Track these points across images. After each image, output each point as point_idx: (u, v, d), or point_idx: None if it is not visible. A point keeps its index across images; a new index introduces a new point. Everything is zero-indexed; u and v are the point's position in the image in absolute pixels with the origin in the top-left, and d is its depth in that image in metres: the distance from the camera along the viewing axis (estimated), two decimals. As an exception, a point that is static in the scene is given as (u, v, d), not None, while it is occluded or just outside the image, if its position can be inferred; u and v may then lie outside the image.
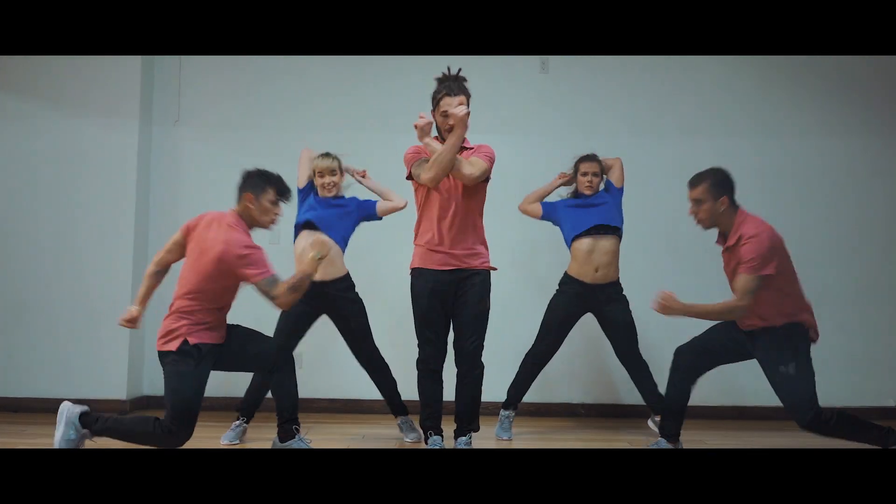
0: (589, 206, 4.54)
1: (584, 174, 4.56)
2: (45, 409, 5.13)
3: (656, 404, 4.37)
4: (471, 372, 3.78)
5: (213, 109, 5.59)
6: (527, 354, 4.60)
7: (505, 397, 4.63)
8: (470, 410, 3.83)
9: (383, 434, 4.55)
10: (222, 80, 5.59)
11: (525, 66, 5.58)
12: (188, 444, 3.49)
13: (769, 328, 3.62)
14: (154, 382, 5.44)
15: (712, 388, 5.28)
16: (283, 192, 3.61)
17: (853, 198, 5.52)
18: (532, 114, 5.58)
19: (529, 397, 5.11)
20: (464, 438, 3.82)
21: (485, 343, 3.81)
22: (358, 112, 5.57)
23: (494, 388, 5.28)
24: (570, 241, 4.56)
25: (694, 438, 4.42)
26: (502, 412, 4.56)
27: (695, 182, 3.73)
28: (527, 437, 4.57)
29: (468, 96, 3.76)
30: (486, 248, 3.85)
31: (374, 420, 5.03)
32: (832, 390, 5.28)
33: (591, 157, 4.62)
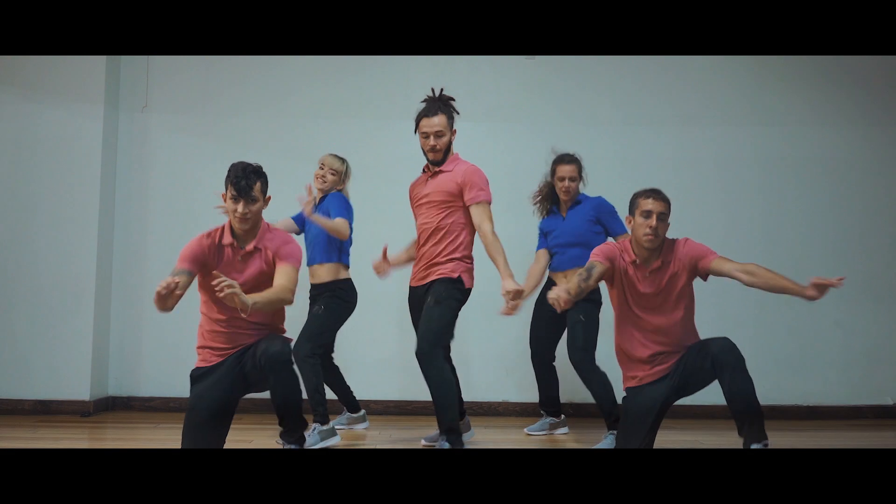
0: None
1: (562, 179, 4.28)
2: (2, 410, 4.88)
3: (607, 416, 4.12)
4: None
5: (184, 94, 5.31)
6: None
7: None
8: None
9: (375, 436, 4.38)
10: (193, 63, 5.32)
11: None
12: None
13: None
14: (120, 383, 5.17)
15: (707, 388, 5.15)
16: (236, 186, 3.10)
17: (854, 191, 5.36)
18: (518, 102, 5.38)
19: (526, 397, 4.96)
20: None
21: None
22: (335, 101, 5.35)
23: (489, 388, 5.23)
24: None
25: (689, 438, 4.31)
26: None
27: (660, 196, 3.40)
28: (523, 439, 4.40)
29: (450, 117, 3.84)
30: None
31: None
32: (830, 388, 5.23)
33: (567, 159, 4.32)
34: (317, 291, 4.25)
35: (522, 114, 5.36)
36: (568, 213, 4.33)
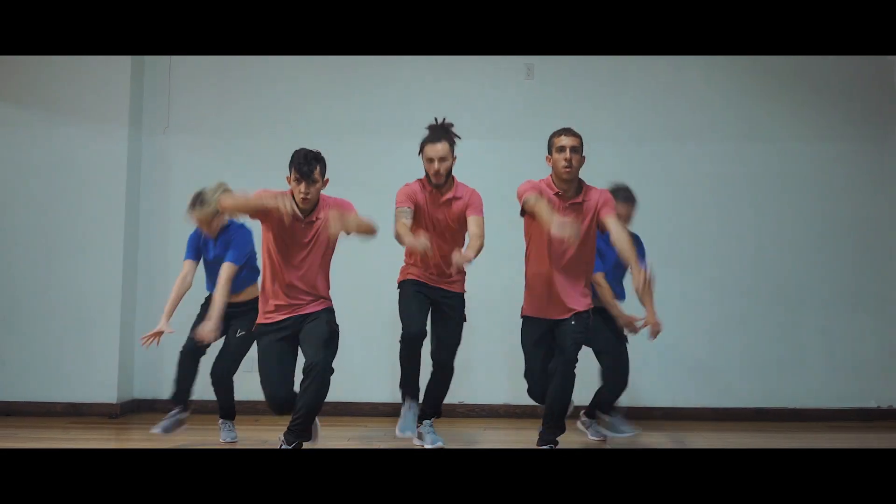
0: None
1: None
2: (37, 412, 5.19)
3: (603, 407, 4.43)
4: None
5: (203, 117, 5.61)
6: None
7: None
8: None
9: (368, 435, 4.60)
10: (212, 86, 5.62)
11: (510, 73, 5.60)
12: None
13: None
14: (144, 387, 5.48)
15: (692, 389, 5.37)
16: (299, 170, 3.53)
17: (839, 202, 5.54)
18: (518, 119, 5.60)
19: (527, 401, 5.18)
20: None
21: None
22: (350, 118, 5.58)
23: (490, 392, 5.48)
24: None
25: (675, 439, 4.51)
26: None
27: (570, 132, 3.78)
28: (521, 439, 4.60)
29: (452, 143, 4.01)
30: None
31: (360, 422, 5.07)
32: (816, 392, 5.41)
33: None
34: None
35: (522, 131, 5.55)
36: None
